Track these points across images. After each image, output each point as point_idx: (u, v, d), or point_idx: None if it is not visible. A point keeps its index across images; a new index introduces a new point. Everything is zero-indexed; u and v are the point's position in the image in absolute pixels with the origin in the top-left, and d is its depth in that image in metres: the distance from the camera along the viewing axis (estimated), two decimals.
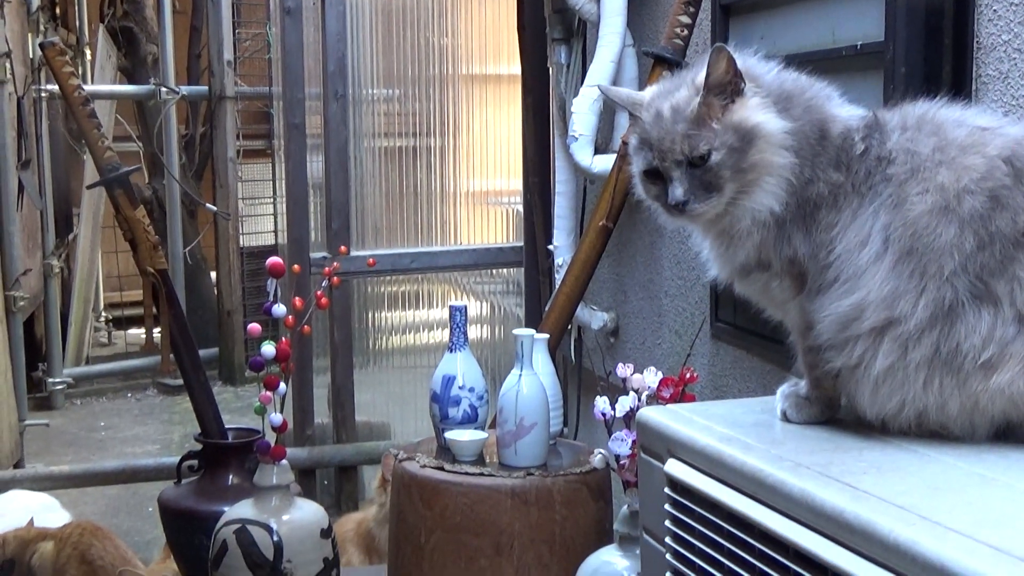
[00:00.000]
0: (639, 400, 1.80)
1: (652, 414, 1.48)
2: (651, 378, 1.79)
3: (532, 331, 2.25)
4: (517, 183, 4.38)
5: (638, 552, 1.88)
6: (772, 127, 1.39)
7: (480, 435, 2.28)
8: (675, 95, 1.45)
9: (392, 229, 4.40)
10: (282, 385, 2.02)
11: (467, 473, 2.18)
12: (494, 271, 4.55)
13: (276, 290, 2.02)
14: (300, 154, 4.00)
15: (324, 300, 2.11)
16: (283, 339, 2.03)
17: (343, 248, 2.19)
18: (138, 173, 6.99)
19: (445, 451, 2.32)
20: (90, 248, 6.81)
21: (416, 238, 4.38)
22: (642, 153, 1.46)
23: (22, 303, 4.97)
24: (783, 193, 1.39)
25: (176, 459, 4.22)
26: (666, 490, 1.39)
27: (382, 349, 4.59)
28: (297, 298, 2.05)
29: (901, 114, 1.41)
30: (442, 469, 2.21)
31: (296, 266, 2.02)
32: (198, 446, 2.55)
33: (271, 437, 2.11)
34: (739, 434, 1.36)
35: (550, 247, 3.53)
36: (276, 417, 2.04)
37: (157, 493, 4.66)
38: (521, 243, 4.18)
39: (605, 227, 2.71)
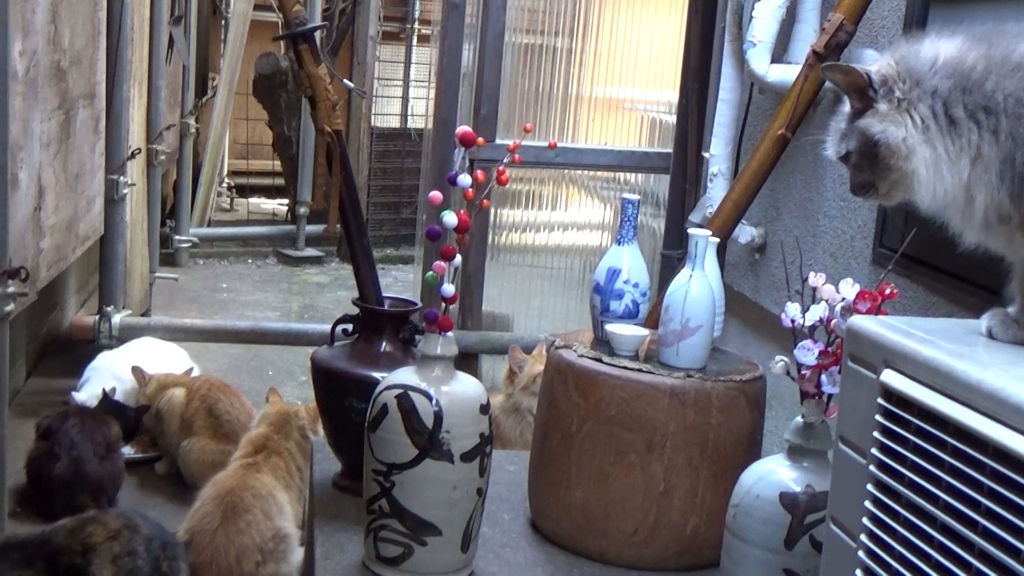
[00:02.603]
0: (830, 311, 1.75)
1: (867, 323, 1.43)
2: (847, 290, 1.74)
3: (707, 232, 2.20)
4: (661, 92, 4.32)
5: (806, 464, 1.86)
6: (890, 137, 1.42)
7: (642, 331, 2.25)
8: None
9: (535, 124, 4.37)
10: (458, 257, 2.00)
11: (626, 368, 2.16)
12: (624, 179, 4.51)
13: (464, 160, 1.98)
14: (457, 36, 3.95)
15: (504, 176, 2.08)
16: (461, 211, 2.01)
17: (528, 126, 2.15)
18: (275, 44, 7.01)
19: (601, 343, 2.30)
20: (224, 112, 6.87)
21: (557, 136, 4.35)
22: None
23: (163, 158, 5.04)
24: (936, 186, 1.40)
25: (301, 326, 4.28)
26: (879, 400, 1.35)
27: (508, 245, 4.60)
28: (480, 171, 2.02)
29: None
30: (600, 361, 2.19)
31: (481, 139, 1.98)
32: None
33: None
34: (967, 351, 1.31)
35: (705, 155, 3.46)
36: (448, 288, 2.02)
37: (276, 357, 4.78)
38: (667, 150, 4.11)
39: (784, 136, 2.64)
